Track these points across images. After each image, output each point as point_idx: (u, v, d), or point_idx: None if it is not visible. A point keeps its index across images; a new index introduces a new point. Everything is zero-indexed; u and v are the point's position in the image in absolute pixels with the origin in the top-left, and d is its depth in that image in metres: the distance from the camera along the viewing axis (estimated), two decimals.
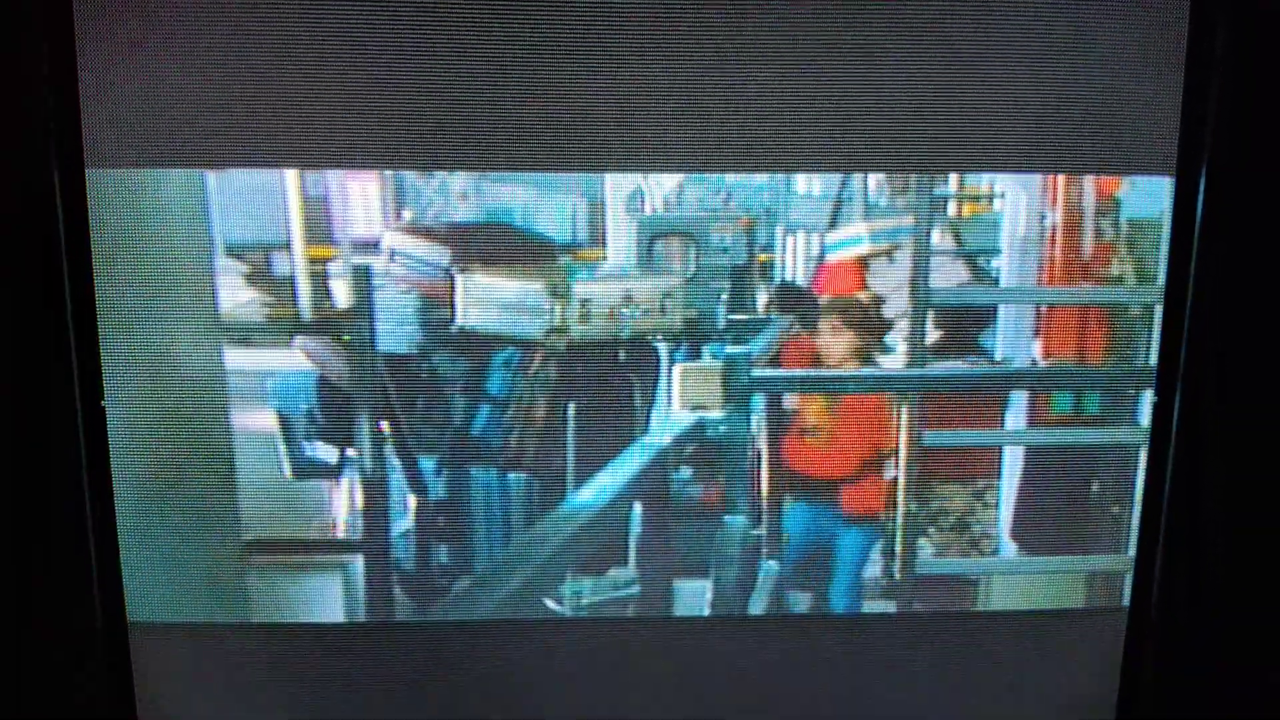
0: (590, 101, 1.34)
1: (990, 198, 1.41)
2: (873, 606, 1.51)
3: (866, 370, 1.44)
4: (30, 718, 1.39)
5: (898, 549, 1.49)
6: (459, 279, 1.41)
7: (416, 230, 1.39)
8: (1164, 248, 1.40)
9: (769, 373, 1.44)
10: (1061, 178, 1.40)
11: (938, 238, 1.42)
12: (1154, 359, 1.44)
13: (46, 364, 1.33)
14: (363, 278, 1.40)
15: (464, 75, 1.33)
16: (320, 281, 1.40)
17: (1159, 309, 1.42)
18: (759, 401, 1.45)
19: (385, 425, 1.43)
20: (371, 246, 1.39)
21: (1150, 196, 1.40)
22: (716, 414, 1.45)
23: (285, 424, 1.43)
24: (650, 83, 1.34)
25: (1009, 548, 1.51)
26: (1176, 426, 1.42)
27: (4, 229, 1.29)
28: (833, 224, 1.41)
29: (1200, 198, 1.36)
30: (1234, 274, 1.38)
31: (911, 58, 1.34)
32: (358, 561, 1.46)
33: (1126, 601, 1.50)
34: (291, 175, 1.36)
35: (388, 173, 1.37)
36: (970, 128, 1.37)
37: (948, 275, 1.43)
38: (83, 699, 1.41)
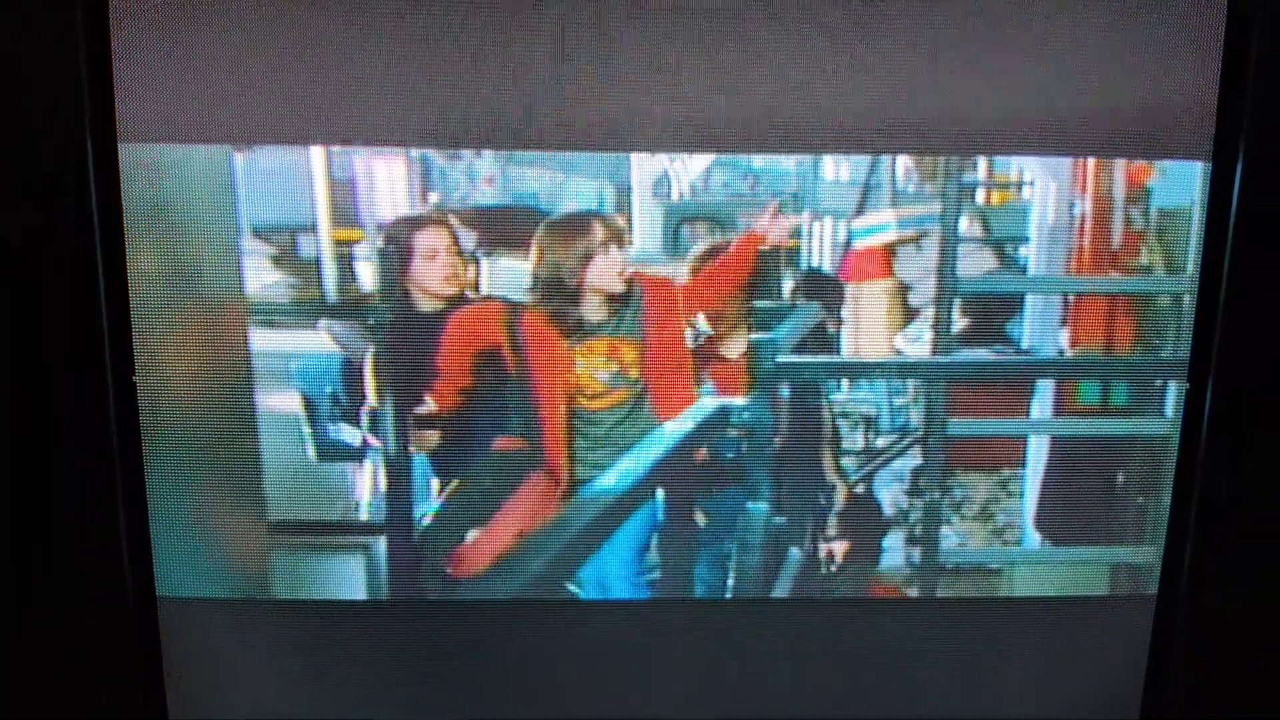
0: (613, 78, 1.34)
1: (1019, 185, 1.40)
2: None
3: (892, 358, 1.44)
4: (61, 690, 1.40)
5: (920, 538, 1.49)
6: (484, 262, 1.41)
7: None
8: (1197, 231, 1.39)
9: (794, 359, 1.44)
10: (1091, 165, 1.38)
11: (966, 225, 1.41)
12: (1181, 350, 1.42)
13: (78, 337, 1.34)
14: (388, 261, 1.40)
15: (493, 52, 1.32)
16: (345, 264, 1.40)
17: (1189, 297, 1.41)
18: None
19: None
20: None
21: (1181, 186, 1.39)
22: (741, 400, 1.45)
23: (309, 405, 1.43)
24: (673, 59, 1.33)
25: (1034, 538, 1.50)
26: (1209, 413, 1.41)
27: (38, 202, 1.30)
28: (860, 211, 1.40)
29: (1236, 181, 1.35)
30: (1269, 258, 1.36)
31: (947, 38, 1.33)
32: (380, 543, 1.47)
33: (1155, 589, 1.49)
34: (319, 159, 1.36)
35: (413, 157, 1.37)
36: (1005, 109, 1.35)
37: (976, 263, 1.42)
38: (113, 672, 1.42)
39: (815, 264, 1.42)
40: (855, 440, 1.47)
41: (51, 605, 1.39)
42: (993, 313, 1.43)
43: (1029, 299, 1.43)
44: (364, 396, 1.43)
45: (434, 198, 1.38)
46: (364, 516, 1.46)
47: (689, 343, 1.44)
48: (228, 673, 1.49)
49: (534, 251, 1.41)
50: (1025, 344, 1.43)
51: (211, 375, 1.40)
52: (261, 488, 1.43)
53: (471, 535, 1.47)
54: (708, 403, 1.45)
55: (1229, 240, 1.37)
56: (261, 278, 1.39)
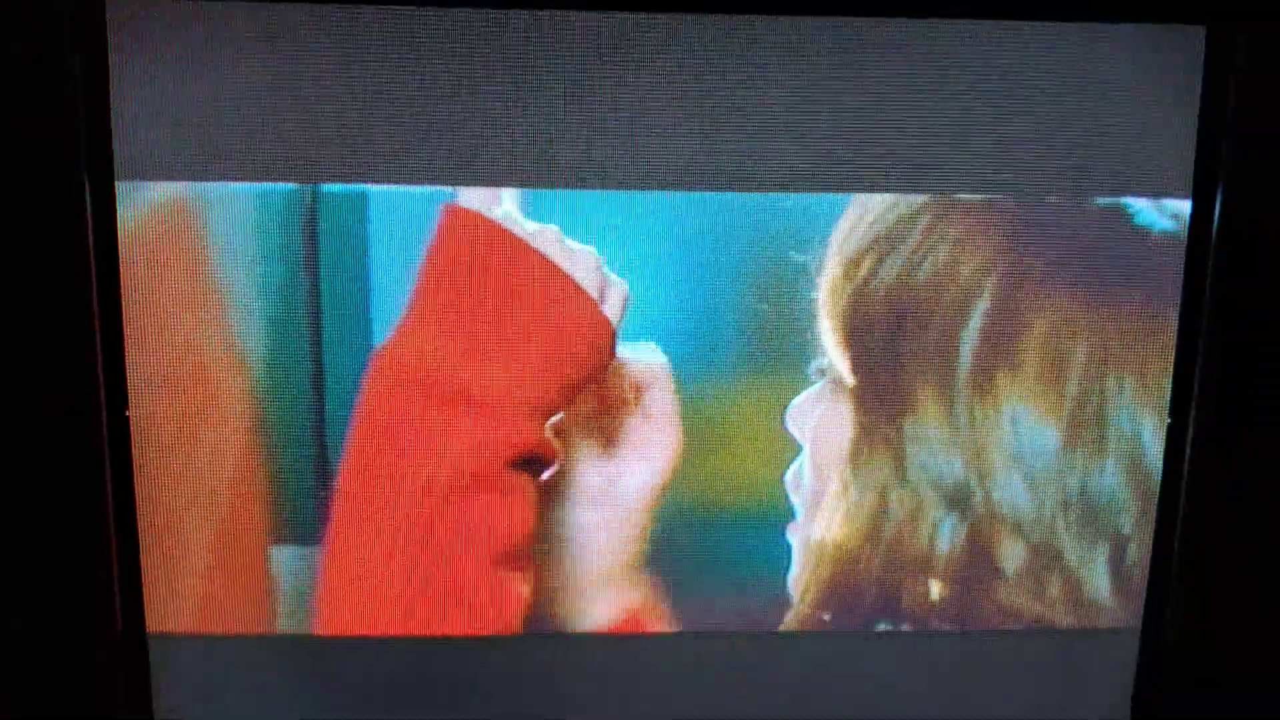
0: (595, 116, 1.36)
1: None
2: None
3: None
4: None
5: None
6: None
7: None
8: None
9: None
10: None
11: None
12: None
13: (71, 372, 1.34)
14: None
15: (500, 91, 1.34)
16: None
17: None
18: None
19: None
20: None
21: None
22: None
23: None
24: (650, 97, 1.35)
25: None
26: (1191, 445, 1.43)
27: (34, 238, 1.31)
28: None
29: (1215, 216, 1.38)
30: (1249, 293, 1.40)
31: (925, 81, 1.36)
32: None
33: (1139, 622, 1.50)
34: None
35: None
36: (983, 150, 1.38)
37: None
38: (101, 710, 1.41)
39: None
40: None
41: (41, 642, 1.38)
42: None
43: None
44: None
45: None
46: None
47: None
48: (220, 711, 1.47)
49: None
50: None
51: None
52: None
53: None
54: None
55: (1209, 275, 1.40)
56: None
